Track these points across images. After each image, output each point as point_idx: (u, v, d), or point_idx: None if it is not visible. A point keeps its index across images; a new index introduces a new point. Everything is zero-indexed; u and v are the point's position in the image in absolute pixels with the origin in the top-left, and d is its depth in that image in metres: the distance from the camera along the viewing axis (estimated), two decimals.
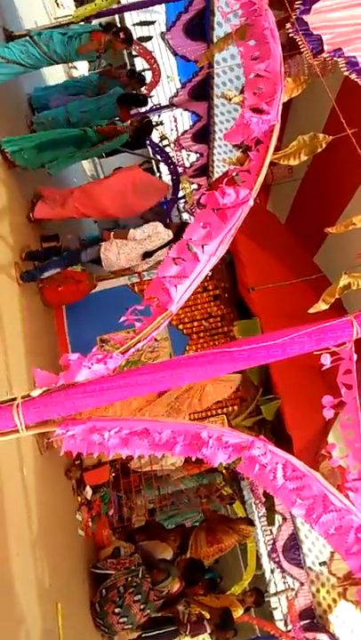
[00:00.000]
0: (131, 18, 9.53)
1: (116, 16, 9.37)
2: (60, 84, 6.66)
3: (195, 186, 8.22)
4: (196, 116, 6.16)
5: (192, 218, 9.48)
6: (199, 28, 5.18)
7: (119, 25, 8.54)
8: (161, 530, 5.86)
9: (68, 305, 5.36)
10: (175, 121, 8.39)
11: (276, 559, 6.90)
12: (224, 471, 6.30)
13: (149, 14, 8.36)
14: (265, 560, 7.28)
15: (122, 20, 9.97)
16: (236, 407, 4.96)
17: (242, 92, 4.73)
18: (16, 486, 3.46)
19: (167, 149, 8.29)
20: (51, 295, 4.99)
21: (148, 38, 8.26)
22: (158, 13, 8.41)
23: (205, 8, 4.97)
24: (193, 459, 1.58)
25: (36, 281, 4.77)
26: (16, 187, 4.91)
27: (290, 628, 6.53)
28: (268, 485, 1.54)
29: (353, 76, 1.95)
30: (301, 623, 6.37)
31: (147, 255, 4.81)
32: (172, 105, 6.72)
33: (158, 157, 8.63)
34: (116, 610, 4.41)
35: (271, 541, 6.95)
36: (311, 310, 1.67)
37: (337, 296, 1.66)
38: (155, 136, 8.90)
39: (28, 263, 4.68)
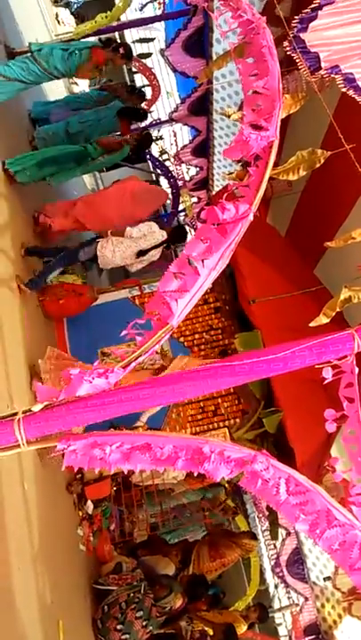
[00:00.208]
0: (130, 35, 9.69)
1: (116, 33, 9.51)
2: (60, 99, 6.75)
3: (195, 199, 8.26)
4: (196, 130, 6.21)
5: (192, 230, 9.54)
6: (198, 44, 5.24)
7: (119, 41, 8.68)
8: (163, 545, 5.81)
9: (69, 318, 5.38)
10: (175, 135, 8.50)
11: (280, 574, 6.82)
12: (227, 485, 6.25)
13: (149, 31, 8.51)
14: (269, 575, 7.19)
15: (122, 37, 10.13)
16: (237, 420, 4.95)
17: (241, 107, 4.79)
18: (17, 501, 3.43)
19: (167, 163, 8.37)
20: (52, 308, 5.00)
21: (148, 55, 8.40)
22: (157, 30, 8.56)
23: (204, 25, 5.03)
24: (195, 473, 1.57)
25: (41, 288, 4.81)
26: (17, 201, 4.95)
27: None
28: (271, 500, 1.53)
29: (350, 93, 1.98)
30: (306, 639, 6.27)
31: (141, 254, 4.90)
32: (171, 120, 6.78)
33: (158, 171, 8.72)
34: (118, 626, 4.35)
35: (275, 556, 6.87)
36: (312, 324, 1.67)
37: (338, 309, 1.67)
38: (155, 150, 9.01)
39: (29, 275, 4.70)
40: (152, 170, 9.21)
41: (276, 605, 7.03)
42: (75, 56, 4.87)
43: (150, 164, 8.60)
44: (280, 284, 4.86)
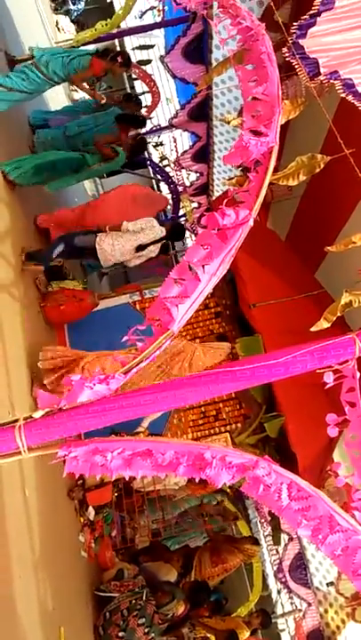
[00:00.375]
0: (130, 42, 9.75)
1: (116, 40, 9.58)
2: (59, 110, 6.79)
3: (195, 204, 8.30)
4: (196, 136, 6.25)
5: (193, 235, 9.56)
6: (198, 51, 5.28)
7: (118, 49, 8.74)
8: (165, 551, 5.78)
9: (70, 324, 5.38)
10: (175, 141, 8.54)
11: (283, 579, 6.78)
12: (228, 490, 6.23)
13: (148, 38, 8.56)
14: (271, 580, 7.16)
15: (121, 44, 10.19)
16: (239, 425, 4.94)
17: (240, 113, 4.80)
18: (18, 508, 3.42)
19: (167, 169, 8.40)
20: (53, 314, 5.01)
21: (148, 62, 8.46)
22: (157, 37, 8.62)
23: (204, 32, 5.07)
24: (197, 479, 1.57)
25: (46, 265, 4.88)
26: (18, 207, 4.97)
27: None
28: (273, 506, 1.53)
29: (350, 98, 1.99)
30: None
31: (140, 248, 4.89)
32: (171, 126, 6.83)
33: (159, 177, 8.74)
34: (120, 633, 4.32)
35: (277, 561, 6.84)
36: (313, 328, 1.67)
37: (339, 314, 1.67)
38: (155, 156, 9.05)
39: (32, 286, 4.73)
40: (152, 176, 9.24)
41: (278, 611, 6.99)
42: (74, 62, 4.90)
43: (151, 169, 8.63)
44: (280, 289, 4.86)
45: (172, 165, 8.13)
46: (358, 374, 1.63)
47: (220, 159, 6.31)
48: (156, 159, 8.94)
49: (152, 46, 8.58)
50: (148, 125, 8.24)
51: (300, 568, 6.68)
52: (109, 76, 5.40)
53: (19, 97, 4.80)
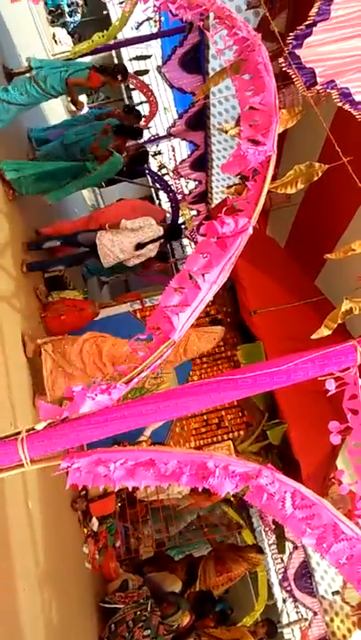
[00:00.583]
0: (127, 53, 9.82)
1: (113, 51, 9.65)
2: (58, 124, 6.83)
3: (194, 212, 8.33)
4: (194, 145, 6.29)
5: (192, 243, 9.59)
6: (195, 60, 5.32)
7: (115, 60, 8.82)
8: (169, 561, 5.74)
9: (71, 333, 5.38)
10: (173, 150, 8.59)
11: (288, 588, 6.73)
12: (232, 499, 6.20)
13: (145, 49, 8.63)
14: (276, 589, 7.10)
15: (118, 55, 10.27)
16: (241, 432, 4.93)
17: (238, 121, 4.82)
18: (21, 520, 3.41)
19: (166, 178, 8.44)
20: (53, 324, 5.00)
21: (145, 72, 8.51)
22: (154, 47, 8.69)
23: (200, 42, 5.12)
24: (200, 489, 1.56)
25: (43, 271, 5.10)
26: (18, 218, 4.98)
27: None
28: (277, 515, 1.52)
29: (347, 107, 2.00)
30: None
31: (139, 247, 4.98)
32: (169, 135, 6.88)
33: (158, 186, 8.78)
34: None
35: (282, 570, 6.79)
36: (314, 336, 1.67)
37: (339, 321, 1.67)
38: (154, 165, 9.10)
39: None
40: (151, 184, 9.29)
41: (284, 620, 6.93)
42: (74, 74, 4.94)
43: (150, 178, 8.67)
44: (281, 295, 4.87)
45: (171, 174, 8.17)
46: (360, 381, 1.63)
47: (219, 167, 6.35)
48: (154, 168, 8.99)
49: (149, 57, 8.64)
50: (147, 135, 8.30)
51: (305, 576, 6.62)
52: (107, 87, 5.44)
53: (18, 109, 4.84)
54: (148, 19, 7.80)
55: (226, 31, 2.22)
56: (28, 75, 4.93)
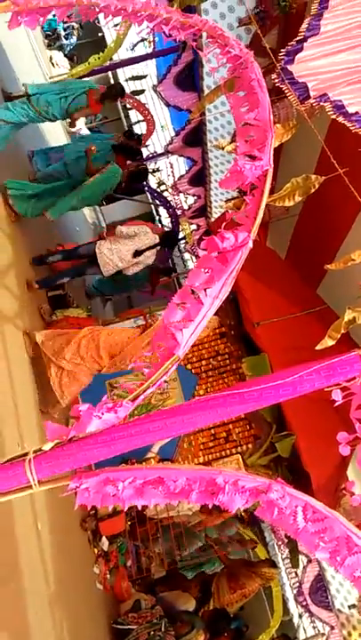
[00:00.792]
0: (123, 73, 9.98)
1: (109, 72, 9.81)
2: (58, 146, 6.91)
3: (194, 226, 8.39)
4: (192, 161, 6.36)
5: (193, 257, 9.63)
6: (189, 78, 5.41)
7: (112, 81, 8.96)
8: (182, 579, 5.67)
9: None
10: (171, 167, 8.67)
11: (304, 602, 6.61)
12: (243, 514, 6.13)
13: (141, 69, 8.78)
14: (292, 604, 6.98)
15: (115, 75, 10.43)
16: (250, 445, 4.89)
17: (234, 136, 4.87)
18: (31, 542, 3.38)
19: (165, 194, 8.51)
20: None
21: (141, 92, 8.65)
22: (149, 67, 8.83)
23: (194, 60, 5.20)
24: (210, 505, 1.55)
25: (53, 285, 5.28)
26: (20, 239, 5.03)
27: None
28: (289, 529, 1.50)
29: (340, 119, 2.03)
30: None
31: (137, 254, 5.16)
32: (167, 152, 6.96)
33: (157, 202, 8.86)
34: None
35: (297, 584, 6.68)
36: (319, 347, 1.67)
37: (343, 331, 1.67)
38: (153, 182, 9.19)
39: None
40: (151, 201, 9.37)
41: (301, 636, 6.80)
42: (73, 104, 5.04)
43: (149, 195, 8.75)
44: (283, 306, 4.87)
45: (170, 190, 8.25)
46: None
47: (217, 182, 6.41)
48: (153, 185, 9.08)
49: (145, 76, 8.79)
50: (145, 152, 8.38)
51: (320, 590, 6.51)
52: (105, 106, 5.52)
53: (8, 129, 4.92)
54: (143, 39, 7.95)
55: (219, 49, 2.25)
56: (25, 97, 4.99)
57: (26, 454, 1.57)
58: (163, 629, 4.43)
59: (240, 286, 4.85)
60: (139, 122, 9.17)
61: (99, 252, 5.08)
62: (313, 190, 1.85)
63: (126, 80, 9.42)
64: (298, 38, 2.08)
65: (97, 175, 5.41)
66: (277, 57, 2.23)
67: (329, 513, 1.46)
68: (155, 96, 7.50)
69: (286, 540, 6.24)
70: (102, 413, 1.59)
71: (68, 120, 5.85)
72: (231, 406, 1.58)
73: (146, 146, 8.71)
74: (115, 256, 5.10)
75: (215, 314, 1.72)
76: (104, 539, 4.73)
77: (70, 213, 6.82)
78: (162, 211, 9.87)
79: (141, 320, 5.66)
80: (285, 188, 1.84)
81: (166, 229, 7.66)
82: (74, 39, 11.91)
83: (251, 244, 1.72)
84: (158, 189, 8.76)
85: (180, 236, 8.56)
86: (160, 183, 9.10)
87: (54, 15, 2.99)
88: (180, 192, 7.19)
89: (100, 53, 6.69)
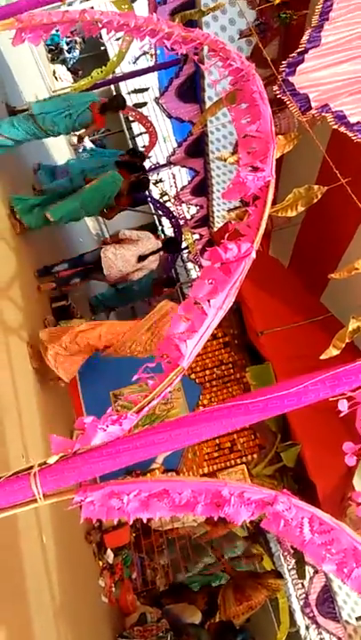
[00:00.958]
0: (126, 86, 10.08)
1: (112, 85, 9.91)
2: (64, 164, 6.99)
3: (196, 236, 8.42)
4: (194, 171, 6.39)
5: (196, 267, 9.65)
6: (191, 90, 5.45)
7: (114, 93, 9.05)
8: (188, 592, 5.61)
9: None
10: (174, 178, 8.74)
11: (311, 614, 6.52)
12: (249, 525, 6.08)
13: (143, 82, 8.86)
14: (299, 616, 6.88)
15: (117, 88, 10.54)
16: (255, 455, 4.86)
17: (235, 146, 4.89)
18: (36, 555, 3.36)
19: (168, 204, 8.56)
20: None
21: (143, 104, 8.74)
22: (151, 80, 8.92)
23: (196, 72, 5.25)
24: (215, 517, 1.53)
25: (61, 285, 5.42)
26: (24, 252, 5.06)
27: None
28: (296, 541, 1.49)
29: (342, 129, 2.04)
30: None
31: (141, 259, 5.30)
32: (170, 163, 7.02)
33: (160, 212, 8.91)
34: None
35: (304, 595, 6.59)
36: (323, 356, 1.66)
37: (347, 340, 1.66)
38: (155, 193, 9.25)
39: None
40: (153, 212, 9.42)
41: None
42: (77, 121, 5.12)
43: (152, 206, 8.80)
44: (287, 315, 4.87)
45: (173, 200, 8.29)
46: None
47: (219, 192, 6.44)
48: (156, 196, 9.13)
49: (147, 89, 8.88)
50: (147, 164, 8.44)
51: (327, 601, 6.43)
52: (107, 119, 5.59)
53: (12, 144, 4.99)
54: (145, 53, 8.03)
55: (220, 62, 2.28)
56: (28, 113, 5.04)
57: (31, 467, 1.57)
58: None
59: (243, 295, 4.85)
60: (141, 134, 9.25)
61: (104, 257, 5.20)
62: (315, 200, 1.86)
63: (129, 93, 9.51)
64: (299, 50, 2.10)
65: (98, 179, 5.47)
66: (278, 68, 2.25)
67: (336, 524, 1.45)
68: (157, 108, 7.57)
69: (292, 551, 6.17)
70: (107, 426, 1.59)
71: (75, 135, 5.93)
72: (236, 417, 1.58)
73: (148, 157, 8.78)
74: (119, 260, 5.22)
75: (219, 323, 1.73)
76: (109, 551, 4.70)
77: (74, 225, 6.87)
78: (165, 221, 9.92)
79: None
80: (288, 198, 1.85)
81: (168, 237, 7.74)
82: (76, 52, 12.05)
83: (254, 255, 1.73)
84: (161, 200, 8.81)
85: (182, 246, 8.60)
86: (163, 194, 9.16)
87: (57, 30, 3.04)
88: (183, 202, 7.22)
89: (103, 67, 6.77)
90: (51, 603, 3.40)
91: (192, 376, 5.32)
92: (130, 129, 11.67)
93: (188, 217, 8.05)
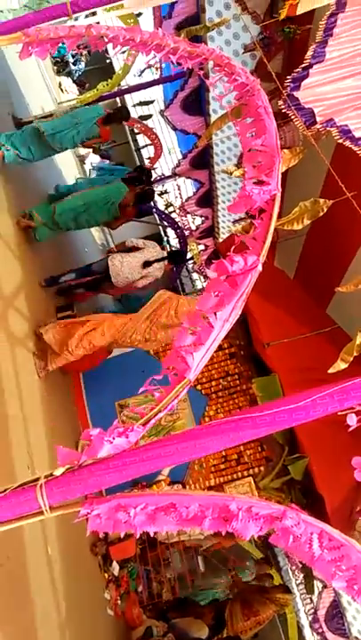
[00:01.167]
0: (131, 98, 10.18)
1: (117, 98, 10.01)
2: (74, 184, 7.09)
3: (202, 247, 8.44)
4: (199, 182, 6.43)
5: (201, 277, 9.67)
6: (196, 103, 5.50)
7: (119, 105, 9.15)
8: (195, 606, 5.55)
9: (86, 371, 5.40)
10: (179, 189, 8.79)
11: (320, 630, 6.43)
12: (256, 539, 6.03)
13: (148, 94, 8.95)
14: (307, 631, 6.79)
15: (122, 101, 10.64)
16: (262, 468, 4.82)
17: (240, 158, 4.91)
18: (41, 567, 3.34)
19: (173, 215, 8.60)
20: (68, 363, 5.02)
21: (149, 116, 8.81)
22: (156, 92, 9.01)
23: (200, 85, 5.30)
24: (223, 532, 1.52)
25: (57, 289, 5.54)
26: (30, 262, 5.09)
27: None
28: (305, 557, 1.47)
29: (347, 143, 2.05)
30: None
31: (146, 264, 5.41)
32: (175, 175, 7.06)
33: (165, 223, 8.95)
34: None
35: (312, 610, 6.50)
36: (331, 370, 1.66)
37: (355, 354, 1.66)
38: (161, 204, 9.30)
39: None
40: (159, 222, 9.46)
41: None
42: (83, 134, 5.23)
43: (157, 217, 8.85)
44: (293, 326, 4.86)
45: (178, 211, 8.33)
46: None
47: (224, 203, 6.47)
48: (161, 207, 9.18)
49: (152, 102, 8.97)
50: (152, 175, 8.50)
51: (336, 617, 6.33)
52: (113, 131, 5.66)
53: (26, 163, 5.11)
54: (150, 66, 8.11)
55: (226, 77, 2.30)
56: (34, 125, 5.12)
57: (37, 479, 1.57)
58: None
59: (250, 307, 4.85)
60: (146, 146, 9.32)
61: (111, 264, 5.34)
62: (321, 214, 1.86)
63: (134, 105, 9.60)
64: (303, 65, 2.12)
65: (104, 187, 5.56)
66: (283, 82, 2.27)
67: (345, 540, 1.44)
68: (162, 120, 7.64)
69: (301, 566, 6.11)
70: (113, 438, 1.59)
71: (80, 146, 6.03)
72: (243, 431, 1.57)
73: (154, 169, 8.85)
74: (125, 267, 5.34)
75: (226, 336, 1.73)
76: (115, 563, 4.66)
77: (79, 236, 6.91)
78: (170, 232, 9.96)
79: None
80: (294, 212, 1.85)
81: (174, 249, 7.80)
82: (82, 65, 12.21)
83: (260, 268, 1.73)
84: (166, 211, 8.86)
85: (188, 256, 8.62)
86: (168, 205, 9.21)
87: (64, 42, 3.08)
88: (188, 213, 7.26)
89: (109, 80, 6.84)
90: (56, 615, 3.37)
91: (198, 387, 5.31)
92: (135, 141, 11.78)
93: (194, 228, 8.08)
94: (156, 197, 9.00)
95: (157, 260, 5.49)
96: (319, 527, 1.42)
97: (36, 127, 5.05)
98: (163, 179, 8.58)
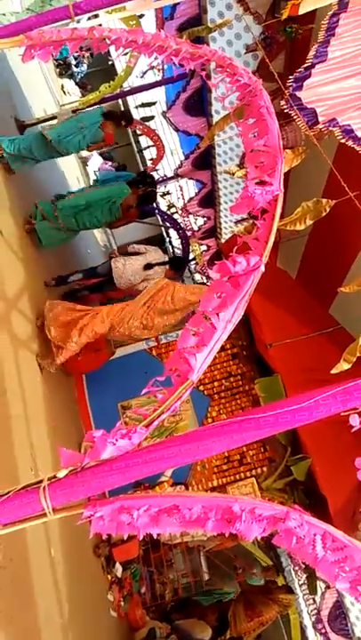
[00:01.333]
0: (133, 100, 10.19)
1: (119, 99, 10.01)
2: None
3: (204, 247, 8.45)
4: (201, 183, 6.44)
5: (203, 277, 9.67)
6: (198, 104, 5.51)
7: (122, 108, 9.17)
8: (198, 607, 5.54)
9: (88, 373, 5.40)
10: (181, 190, 8.79)
11: (323, 630, 6.42)
12: (260, 541, 6.02)
13: (150, 96, 8.95)
14: (310, 632, 6.77)
15: (125, 102, 10.65)
16: (265, 469, 4.81)
17: (242, 158, 4.91)
18: (44, 569, 3.34)
19: (175, 216, 8.60)
20: (71, 365, 5.03)
21: (151, 118, 8.82)
22: (159, 93, 9.01)
23: (202, 86, 5.31)
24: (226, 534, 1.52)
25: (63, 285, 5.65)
26: (34, 264, 5.10)
27: None
28: (308, 558, 1.47)
29: (350, 143, 2.04)
30: None
31: (148, 267, 5.55)
32: (177, 176, 7.08)
33: (167, 224, 8.95)
34: None
35: (315, 611, 6.49)
36: (334, 371, 1.65)
37: (358, 354, 1.65)
38: (163, 205, 9.30)
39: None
40: (161, 223, 9.47)
41: None
42: (88, 138, 5.30)
43: (159, 217, 8.85)
44: (296, 327, 4.84)
45: (180, 212, 8.33)
46: None
47: (226, 203, 6.47)
48: (163, 208, 9.18)
49: (154, 103, 8.97)
50: (155, 176, 8.51)
51: (339, 618, 6.32)
52: (115, 133, 5.66)
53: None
54: (152, 67, 8.11)
55: (228, 78, 2.30)
56: (40, 129, 5.16)
57: (40, 481, 1.57)
58: None
59: (252, 307, 4.84)
60: (149, 147, 9.32)
61: (114, 267, 5.51)
62: (324, 214, 1.86)
63: (136, 107, 9.61)
64: (306, 65, 2.12)
65: (107, 187, 5.59)
66: (285, 81, 2.27)
67: (348, 541, 1.43)
68: (164, 122, 7.64)
69: (303, 566, 6.09)
70: (116, 440, 1.59)
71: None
72: (246, 432, 1.57)
73: (156, 170, 8.85)
74: (127, 270, 5.50)
75: (229, 336, 1.73)
76: (118, 564, 4.66)
77: (82, 237, 6.91)
78: (172, 232, 9.96)
79: (153, 341, 5.66)
80: (296, 212, 1.85)
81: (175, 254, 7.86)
82: (84, 67, 12.22)
83: (263, 269, 1.73)
84: (168, 212, 8.86)
85: (190, 257, 8.63)
86: (170, 206, 9.21)
87: (66, 45, 3.08)
88: (190, 214, 7.27)
89: (111, 82, 6.85)
90: (59, 616, 3.37)
91: (201, 388, 5.31)
92: (137, 142, 11.78)
93: (196, 228, 8.09)
94: (159, 198, 9.00)
95: (159, 264, 5.61)
96: (322, 528, 1.42)
97: (43, 134, 5.11)
98: (165, 180, 8.59)
